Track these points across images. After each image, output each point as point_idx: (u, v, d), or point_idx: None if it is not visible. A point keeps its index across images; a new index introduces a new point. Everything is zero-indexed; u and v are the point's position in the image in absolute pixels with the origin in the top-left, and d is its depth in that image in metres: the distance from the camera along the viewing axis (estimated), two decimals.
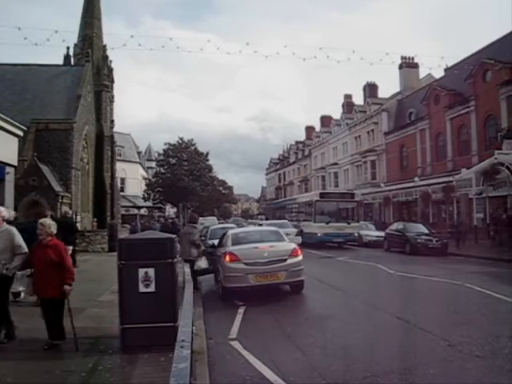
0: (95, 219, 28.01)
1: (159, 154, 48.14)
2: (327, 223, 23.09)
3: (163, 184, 44.43)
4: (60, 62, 31.35)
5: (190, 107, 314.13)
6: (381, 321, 7.56)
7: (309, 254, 16.85)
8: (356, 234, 23.56)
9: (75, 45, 31.88)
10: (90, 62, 29.95)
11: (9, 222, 7.49)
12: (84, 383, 4.76)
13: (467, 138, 28.93)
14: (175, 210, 45.90)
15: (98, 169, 30.55)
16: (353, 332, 6.87)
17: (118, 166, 40.26)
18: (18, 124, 16.10)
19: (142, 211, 48.07)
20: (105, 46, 32.16)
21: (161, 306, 5.75)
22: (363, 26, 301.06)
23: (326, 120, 57.37)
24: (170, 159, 45.47)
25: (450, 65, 30.42)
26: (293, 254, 9.81)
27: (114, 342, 5.88)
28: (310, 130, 64.59)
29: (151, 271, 5.74)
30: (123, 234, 22.77)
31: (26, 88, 26.04)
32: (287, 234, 13.07)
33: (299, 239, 20.11)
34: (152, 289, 5.73)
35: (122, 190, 49.53)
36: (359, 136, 44.54)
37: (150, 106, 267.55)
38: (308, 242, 22.64)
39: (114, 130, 34.63)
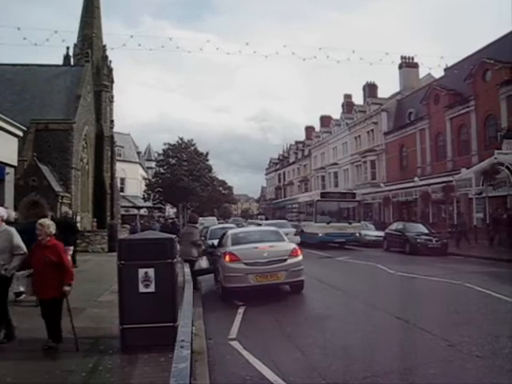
0: (95, 219, 28.02)
1: (159, 154, 48.13)
2: (328, 223, 22.91)
3: (163, 184, 44.43)
4: (60, 62, 31.39)
5: (189, 107, 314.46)
6: (381, 321, 7.56)
7: (309, 254, 16.85)
8: (357, 234, 23.37)
9: (75, 45, 31.90)
10: (89, 62, 29.99)
11: (10, 223, 7.50)
12: (84, 383, 4.76)
13: (467, 138, 28.93)
14: (175, 210, 45.89)
15: (98, 169, 30.56)
16: (353, 332, 6.87)
17: (118, 166, 40.26)
18: (17, 124, 16.10)
19: (142, 211, 48.06)
20: (104, 46, 32.17)
21: (160, 306, 5.75)
22: (362, 25, 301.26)
23: (325, 120, 57.35)
24: (170, 159, 45.46)
25: (449, 64, 30.45)
26: (293, 254, 9.81)
27: (114, 342, 5.88)
28: (309, 129, 64.56)
29: (151, 271, 5.74)
30: (123, 234, 22.76)
31: (25, 88, 26.05)
32: (286, 234, 13.05)
33: (298, 239, 20.10)
34: (152, 289, 5.73)
35: (122, 190, 49.53)
36: (359, 136, 44.54)
37: (149, 106, 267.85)
38: (309, 243, 22.62)
39: (114, 130, 34.66)
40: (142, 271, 5.73)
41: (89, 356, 5.53)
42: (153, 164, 56.11)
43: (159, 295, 5.73)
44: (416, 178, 31.58)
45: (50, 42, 18.64)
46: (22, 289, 8.39)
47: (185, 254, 10.57)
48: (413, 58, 38.21)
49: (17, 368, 5.23)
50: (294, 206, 30.12)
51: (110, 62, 32.72)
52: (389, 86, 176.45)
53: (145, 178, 55.47)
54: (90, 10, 32.24)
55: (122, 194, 45.85)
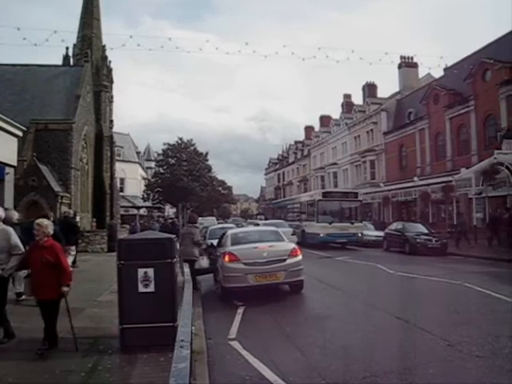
0: (94, 219, 28.01)
1: (158, 154, 48.13)
2: (330, 223, 22.61)
3: (162, 184, 44.42)
4: (59, 62, 31.38)
5: (189, 107, 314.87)
6: (380, 321, 7.56)
7: (308, 254, 16.85)
8: (360, 235, 23.02)
9: (74, 45, 31.88)
10: (89, 62, 29.99)
11: (14, 224, 7.51)
12: (84, 383, 4.76)
13: (467, 138, 28.93)
14: (174, 210, 45.88)
15: (98, 169, 30.55)
16: (352, 332, 6.87)
17: (118, 166, 40.27)
18: (17, 124, 16.09)
19: (142, 211, 48.03)
20: (104, 47, 32.16)
21: (160, 305, 5.74)
22: (362, 25, 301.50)
23: (325, 120, 57.34)
24: (170, 159, 45.46)
25: (449, 64, 30.44)
26: (292, 253, 9.81)
27: (114, 342, 5.88)
28: (309, 129, 64.54)
29: (150, 271, 5.74)
30: (122, 234, 22.76)
31: (25, 88, 26.05)
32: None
33: (295, 239, 19.96)
34: (151, 289, 5.73)
35: (122, 190, 49.53)
36: (358, 136, 44.54)
37: (149, 106, 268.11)
38: (310, 243, 22.56)
39: (114, 130, 34.64)
40: (141, 271, 5.73)
41: (88, 356, 5.52)
42: (152, 164, 56.12)
43: (159, 295, 5.73)
44: (415, 178, 31.58)
45: (49, 42, 18.71)
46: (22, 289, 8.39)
47: (186, 254, 10.57)
48: (412, 58, 38.20)
49: (17, 368, 5.22)
50: (294, 205, 29.82)
51: (110, 62, 32.72)
52: (388, 85, 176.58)
53: (144, 178, 55.48)
54: (89, 10, 32.22)
55: (121, 194, 45.85)
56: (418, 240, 19.33)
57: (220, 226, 21.06)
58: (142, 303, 5.68)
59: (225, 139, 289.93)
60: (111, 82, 33.05)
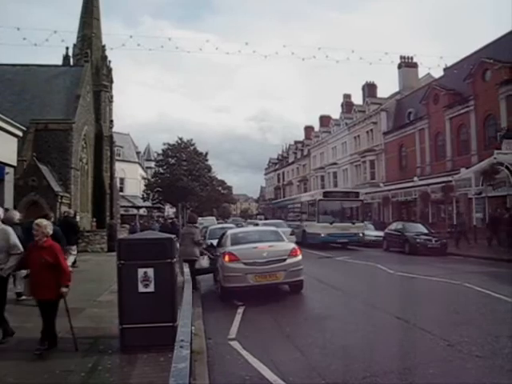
0: (94, 219, 27.99)
1: (158, 154, 48.09)
2: (331, 223, 22.46)
3: (162, 184, 44.40)
4: (59, 62, 31.31)
5: (189, 107, 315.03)
6: (380, 321, 7.56)
7: (308, 254, 16.85)
8: (361, 235, 22.90)
9: (74, 45, 31.83)
10: (89, 62, 29.95)
11: (15, 224, 7.51)
12: (84, 383, 4.76)
13: (466, 138, 28.94)
14: (174, 210, 45.87)
15: (97, 169, 30.52)
16: (352, 332, 6.87)
17: (117, 166, 40.25)
18: (17, 124, 16.09)
19: (141, 211, 48.04)
20: (104, 46, 32.13)
21: (160, 305, 5.74)
22: (362, 25, 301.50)
23: (325, 120, 57.33)
24: (169, 159, 45.43)
25: (449, 64, 30.43)
26: (292, 253, 9.81)
27: (114, 342, 5.88)
28: (309, 129, 64.53)
29: (150, 271, 5.74)
30: (122, 234, 22.76)
31: (25, 88, 26.02)
32: None
33: (293, 238, 19.91)
34: (151, 289, 5.73)
35: (121, 190, 49.52)
36: (358, 136, 44.54)
37: (149, 106, 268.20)
38: (311, 243, 22.50)
39: (113, 130, 34.58)
40: (141, 271, 5.73)
41: (88, 356, 5.52)
42: (152, 164, 56.06)
43: (159, 295, 5.73)
44: (415, 178, 31.59)
45: (49, 42, 18.73)
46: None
47: (187, 254, 10.57)
48: (412, 58, 38.17)
49: (17, 368, 5.22)
50: (295, 205, 29.67)
51: (110, 62, 32.66)
52: (388, 85, 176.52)
53: (144, 178, 55.45)
54: (89, 10, 32.18)
55: (121, 193, 45.84)
56: (418, 240, 19.34)
57: (220, 225, 21.02)
58: (141, 303, 5.68)
59: (225, 139, 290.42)
60: (111, 81, 33.02)
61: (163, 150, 46.42)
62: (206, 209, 62.29)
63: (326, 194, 24.62)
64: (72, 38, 32.27)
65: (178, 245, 8.52)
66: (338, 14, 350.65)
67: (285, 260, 9.57)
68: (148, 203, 47.80)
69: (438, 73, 35.36)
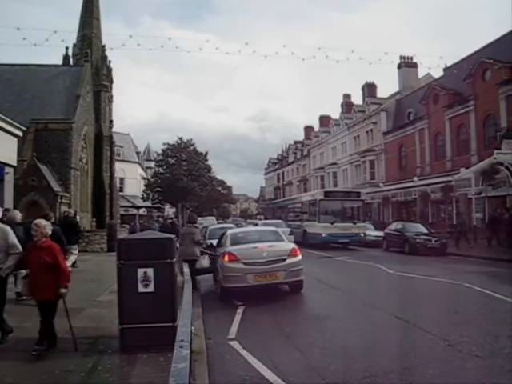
0: (94, 219, 27.98)
1: (158, 154, 48.08)
2: (332, 223, 22.36)
3: (162, 184, 44.38)
4: (59, 62, 31.36)
5: (188, 107, 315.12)
6: (380, 320, 7.56)
7: (308, 254, 16.85)
8: (362, 235, 22.83)
9: (74, 45, 31.86)
10: (88, 62, 29.98)
11: (17, 223, 7.50)
12: (83, 383, 4.75)
13: (466, 138, 28.94)
14: (174, 209, 45.85)
15: (97, 169, 30.54)
16: (352, 332, 6.87)
17: (117, 165, 40.26)
18: (17, 124, 16.09)
19: (141, 211, 48.01)
20: (104, 46, 32.14)
21: (160, 305, 5.74)
22: (362, 25, 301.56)
23: (324, 120, 57.33)
24: (169, 159, 45.41)
25: (448, 64, 30.43)
26: (292, 253, 9.81)
27: (113, 342, 5.87)
28: (308, 129, 64.52)
29: (150, 271, 5.73)
30: (122, 234, 22.74)
31: (25, 88, 26.03)
32: None
33: (292, 238, 19.87)
34: (151, 289, 5.72)
35: (121, 190, 49.53)
36: (358, 136, 44.55)
37: (148, 105, 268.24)
38: (312, 243, 22.45)
39: (113, 130, 34.62)
40: (141, 271, 5.72)
41: (88, 356, 5.52)
42: (152, 164, 56.03)
43: (158, 295, 5.73)
44: (415, 178, 31.59)
45: (49, 42, 18.77)
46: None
47: (187, 254, 10.58)
48: (412, 58, 38.18)
49: (16, 368, 5.21)
50: (295, 205, 29.54)
51: (110, 61, 32.69)
52: (388, 85, 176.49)
53: (144, 178, 55.44)
54: (89, 10, 32.20)
55: (121, 193, 45.84)
56: (418, 240, 19.34)
57: (219, 225, 21.01)
58: (141, 303, 5.67)
59: (224, 139, 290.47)
60: (111, 81, 33.04)
61: (163, 150, 46.41)
62: (206, 209, 62.28)
63: (326, 194, 24.48)
64: (72, 38, 32.36)
65: (177, 245, 8.52)
66: (338, 14, 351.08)
67: (284, 260, 9.57)
68: (148, 203, 47.78)
69: (437, 73, 35.43)
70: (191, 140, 47.22)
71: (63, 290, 5.66)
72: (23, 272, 6.39)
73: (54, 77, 28.06)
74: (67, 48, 31.25)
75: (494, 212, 21.99)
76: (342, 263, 16.61)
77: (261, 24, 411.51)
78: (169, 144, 46.30)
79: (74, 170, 25.41)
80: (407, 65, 39.14)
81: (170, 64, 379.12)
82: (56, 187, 23.57)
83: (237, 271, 9.34)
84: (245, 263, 9.36)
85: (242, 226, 20.40)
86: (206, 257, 11.14)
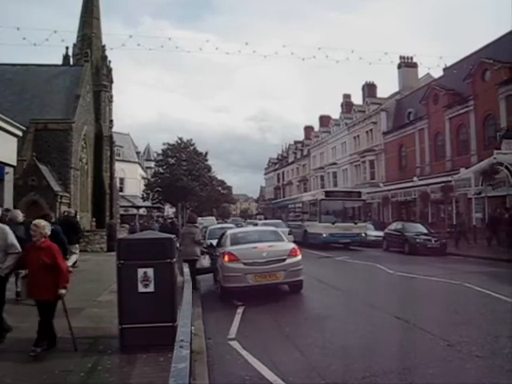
0: (94, 219, 27.97)
1: (158, 154, 48.07)
2: (333, 223, 22.24)
3: (162, 184, 44.37)
4: (59, 62, 31.33)
5: (188, 107, 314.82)
6: (380, 320, 7.56)
7: (308, 254, 16.85)
8: (363, 235, 22.74)
9: (74, 45, 31.85)
10: (88, 62, 29.98)
11: (18, 223, 7.49)
12: (83, 383, 4.75)
13: (466, 138, 28.94)
14: (174, 209, 45.82)
15: (97, 169, 30.53)
16: (352, 332, 6.87)
17: (117, 165, 40.25)
18: (17, 124, 16.10)
19: (141, 211, 48.02)
20: (104, 46, 32.14)
21: (160, 305, 5.74)
22: (362, 25, 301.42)
23: (324, 120, 57.35)
24: (169, 159, 45.41)
25: (448, 64, 30.48)
26: (292, 253, 9.81)
27: (113, 342, 5.87)
28: (308, 129, 64.53)
29: (150, 271, 5.73)
30: (122, 233, 22.74)
31: (25, 88, 26.03)
32: None
33: (291, 238, 19.84)
34: (151, 289, 5.72)
35: (121, 189, 49.51)
36: (358, 136, 44.55)
37: (148, 105, 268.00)
38: (312, 243, 22.39)
39: (113, 129, 34.60)
40: (141, 271, 5.72)
41: (88, 356, 5.51)
42: (152, 164, 56.01)
43: (158, 295, 5.73)
44: (415, 178, 31.60)
45: (49, 42, 18.79)
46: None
47: (187, 254, 10.58)
48: (412, 58, 38.20)
49: (15, 368, 5.21)
50: (296, 205, 29.42)
51: (110, 61, 32.67)
52: (388, 85, 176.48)
53: (144, 178, 55.44)
54: (89, 10, 32.19)
55: (121, 193, 45.83)
56: (418, 240, 19.34)
57: (219, 225, 21.00)
58: (141, 303, 5.67)
59: (224, 139, 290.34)
60: (111, 81, 33.03)
61: (163, 150, 46.40)
62: (206, 209, 62.29)
63: (328, 194, 24.33)
64: (72, 38, 32.34)
65: (177, 245, 8.52)
66: (338, 14, 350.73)
67: (284, 260, 9.56)
68: (148, 203, 47.78)
69: (437, 73, 35.43)
70: (191, 140, 47.26)
71: (62, 291, 5.64)
72: (22, 272, 6.38)
73: (54, 77, 28.05)
74: (67, 48, 31.30)
75: (494, 212, 22.00)
76: (341, 263, 16.62)
77: (261, 24, 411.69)
78: (169, 144, 46.30)
79: (73, 169, 25.41)
80: (407, 65, 39.14)
81: (169, 64, 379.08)
82: (56, 187, 23.57)
83: (237, 271, 9.34)
84: (245, 263, 9.36)
85: (241, 226, 20.40)
86: (207, 256, 11.15)
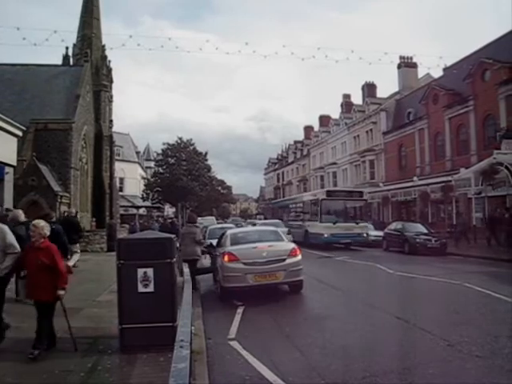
0: (94, 219, 27.96)
1: (158, 154, 48.01)
2: (334, 223, 22.10)
3: (162, 184, 44.33)
4: (59, 62, 31.33)
5: (188, 107, 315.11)
6: (380, 320, 7.56)
7: (308, 254, 16.86)
8: (365, 235, 22.60)
9: (74, 45, 31.84)
10: (88, 62, 29.95)
11: (20, 223, 7.48)
12: (83, 383, 4.75)
13: (466, 138, 28.94)
14: (174, 209, 45.77)
15: (97, 169, 30.53)
16: (352, 332, 6.87)
17: (117, 165, 40.25)
18: (17, 124, 16.09)
19: (141, 211, 47.96)
20: (104, 46, 32.13)
21: (160, 305, 5.74)
22: (362, 25, 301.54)
23: (324, 120, 57.34)
24: (169, 159, 45.35)
25: (448, 64, 30.39)
26: (292, 253, 9.80)
27: (113, 342, 5.87)
28: (308, 129, 64.51)
29: (150, 271, 5.73)
30: (122, 233, 22.73)
31: (25, 88, 26.03)
32: None
33: (290, 238, 19.76)
34: (151, 289, 5.72)
35: (121, 189, 49.51)
36: (358, 136, 44.55)
37: (148, 105, 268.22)
38: (313, 243, 22.34)
39: (113, 129, 34.60)
40: (141, 271, 5.72)
41: (88, 356, 5.51)
42: (152, 164, 55.89)
43: (158, 295, 5.73)
44: (415, 178, 31.59)
45: (49, 42, 18.76)
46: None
47: (187, 254, 10.57)
48: (412, 58, 38.06)
49: (16, 368, 5.20)
50: (297, 205, 29.28)
51: (110, 61, 32.66)
52: (388, 85, 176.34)
53: (144, 178, 55.40)
54: (89, 10, 32.18)
55: (120, 193, 45.83)
56: (418, 240, 19.33)
57: (219, 225, 20.98)
58: (141, 303, 5.67)
59: (224, 139, 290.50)
60: (111, 81, 33.03)
61: (163, 150, 46.34)
62: (206, 209, 62.25)
63: (329, 194, 24.14)
64: (72, 38, 32.32)
65: (178, 245, 8.52)
66: (338, 14, 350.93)
67: (284, 260, 9.56)
68: (147, 203, 47.73)
69: (437, 73, 35.41)
70: (191, 140, 47.18)
71: (61, 292, 5.61)
72: (22, 273, 6.37)
73: (54, 77, 28.05)
74: (67, 48, 31.28)
75: (494, 212, 22.00)
76: (341, 263, 16.61)
77: (261, 24, 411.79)
78: (169, 144, 46.24)
79: (73, 169, 25.41)
80: (407, 65, 39.10)
81: (170, 64, 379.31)
82: (56, 187, 23.57)
83: (237, 271, 9.33)
84: (245, 263, 9.36)
85: (241, 226, 20.39)
86: (208, 256, 11.15)
